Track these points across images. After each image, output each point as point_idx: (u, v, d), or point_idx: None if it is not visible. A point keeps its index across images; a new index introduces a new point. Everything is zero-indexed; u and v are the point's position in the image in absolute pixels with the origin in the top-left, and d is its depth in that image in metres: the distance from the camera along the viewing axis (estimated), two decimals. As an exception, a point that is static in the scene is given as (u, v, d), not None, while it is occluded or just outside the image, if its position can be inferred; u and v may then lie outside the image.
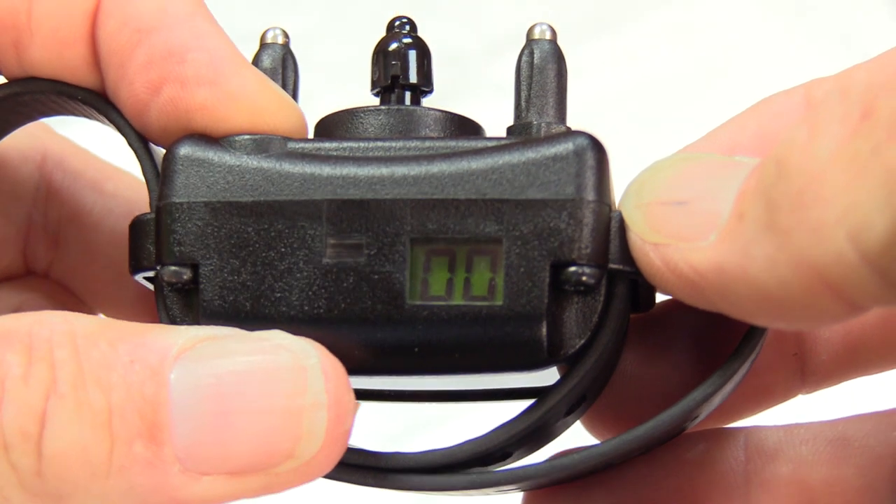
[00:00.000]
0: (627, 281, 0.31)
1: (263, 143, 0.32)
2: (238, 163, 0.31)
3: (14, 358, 0.29)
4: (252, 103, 0.32)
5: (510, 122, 0.33)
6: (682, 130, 0.34)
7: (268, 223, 0.31)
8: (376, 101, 0.35)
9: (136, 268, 0.33)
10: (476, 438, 0.32)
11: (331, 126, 0.34)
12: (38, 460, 0.29)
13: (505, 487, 0.33)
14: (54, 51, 0.33)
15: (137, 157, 0.33)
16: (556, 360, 0.31)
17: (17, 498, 0.29)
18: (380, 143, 0.32)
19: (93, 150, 0.42)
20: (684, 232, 0.29)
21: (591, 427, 0.36)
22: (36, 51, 0.33)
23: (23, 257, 0.41)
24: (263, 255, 0.31)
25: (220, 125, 0.32)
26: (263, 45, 0.35)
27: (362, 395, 0.32)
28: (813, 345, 0.36)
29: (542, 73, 0.33)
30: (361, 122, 0.33)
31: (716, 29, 0.84)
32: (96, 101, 0.34)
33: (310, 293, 0.31)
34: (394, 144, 0.32)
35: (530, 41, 0.33)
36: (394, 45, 0.34)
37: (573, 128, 0.32)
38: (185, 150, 0.32)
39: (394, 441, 0.62)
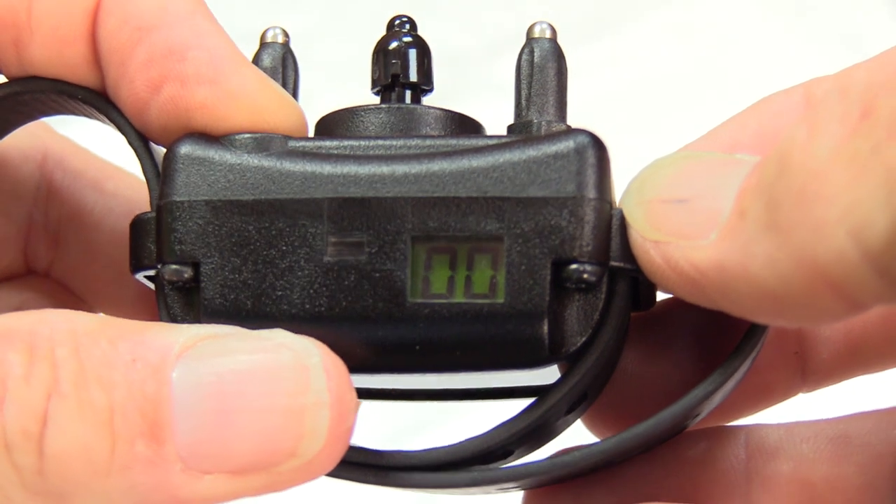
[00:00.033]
0: (628, 279, 0.31)
1: (264, 142, 0.32)
2: (239, 161, 0.31)
3: (15, 357, 0.29)
4: (252, 102, 0.32)
5: (510, 121, 0.33)
6: (683, 131, 0.34)
7: (269, 221, 0.31)
8: (376, 99, 0.35)
9: (136, 266, 0.33)
10: (477, 437, 0.32)
11: (331, 125, 0.34)
12: (39, 459, 0.28)
13: (506, 485, 0.33)
14: (54, 49, 0.33)
15: (137, 155, 0.33)
16: (557, 357, 0.31)
17: (19, 497, 0.29)
18: (380, 142, 0.32)
19: (93, 149, 0.42)
20: (685, 230, 0.29)
21: (592, 426, 0.36)
22: (36, 49, 0.33)
23: (23, 257, 0.41)
24: (264, 253, 0.31)
25: (221, 124, 0.32)
26: (263, 44, 0.35)
27: (363, 393, 0.32)
28: (813, 343, 0.36)
29: (543, 71, 0.33)
30: (362, 121, 0.33)
31: (716, 29, 0.84)
32: (96, 99, 0.34)
33: (311, 291, 0.31)
34: (394, 143, 0.32)
35: (530, 40, 0.33)
36: (394, 44, 0.34)
37: (573, 126, 0.32)
38: (185, 149, 0.32)
39: (395, 441, 0.63)
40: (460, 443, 0.32)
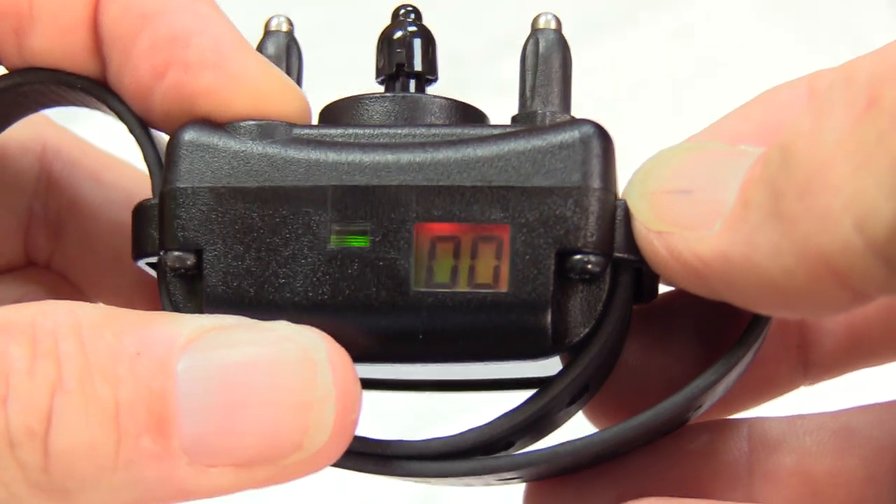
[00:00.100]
0: (632, 270, 0.31)
1: (268, 129, 0.32)
2: (243, 148, 0.31)
3: (18, 351, 0.29)
4: (256, 88, 0.32)
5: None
6: (683, 132, 0.34)
7: (272, 209, 0.31)
8: (380, 89, 0.35)
9: (139, 253, 0.32)
10: (479, 427, 0.32)
11: (335, 113, 0.34)
12: (44, 457, 0.28)
13: (506, 475, 0.32)
14: (56, 37, 0.33)
15: (139, 143, 0.33)
16: (560, 348, 0.31)
17: (24, 493, 0.29)
18: (385, 130, 0.32)
19: (94, 143, 0.42)
20: (689, 220, 0.29)
21: (594, 417, 0.36)
22: (37, 38, 0.33)
23: (23, 248, 0.41)
24: (268, 241, 0.31)
25: (225, 110, 0.32)
26: (268, 32, 0.35)
27: (365, 384, 0.31)
28: (816, 336, 0.36)
29: (547, 62, 0.33)
30: (366, 109, 0.33)
31: (716, 30, 0.84)
32: (96, 88, 0.33)
33: (314, 279, 0.31)
34: (399, 131, 0.32)
35: (535, 30, 0.33)
36: (399, 33, 0.34)
37: (577, 117, 0.32)
38: (189, 136, 0.31)
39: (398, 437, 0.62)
40: (462, 433, 0.32)
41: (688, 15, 0.84)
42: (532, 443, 0.34)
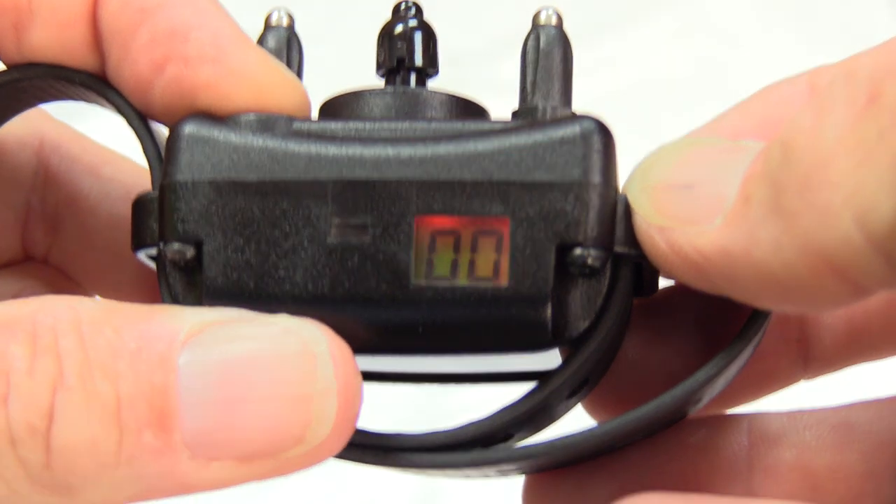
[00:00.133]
0: (632, 264, 0.31)
1: (269, 123, 0.32)
2: (243, 141, 0.31)
3: (18, 349, 0.29)
4: (256, 81, 0.32)
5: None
6: (683, 131, 0.34)
7: (272, 202, 0.31)
8: (381, 83, 0.35)
9: (138, 244, 0.32)
10: (478, 420, 0.32)
11: (336, 107, 0.34)
12: (46, 454, 0.28)
13: (505, 467, 0.33)
14: (55, 32, 0.33)
15: (138, 136, 0.33)
16: (560, 342, 0.31)
17: (26, 490, 0.29)
18: (385, 124, 0.32)
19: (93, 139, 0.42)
20: (690, 215, 0.29)
21: (593, 411, 0.36)
22: (36, 32, 0.33)
23: (21, 243, 0.41)
24: (268, 234, 0.31)
25: (225, 103, 0.32)
26: (268, 27, 0.35)
27: (365, 376, 0.31)
28: (816, 330, 0.36)
29: (548, 57, 0.33)
30: (367, 104, 0.33)
31: (716, 30, 0.84)
32: (95, 83, 0.33)
33: (314, 273, 0.31)
34: (400, 125, 0.32)
35: (536, 26, 0.33)
36: (399, 28, 0.34)
37: (578, 112, 0.32)
38: (189, 129, 0.31)
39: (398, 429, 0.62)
40: (461, 426, 0.32)
41: (688, 15, 0.85)
42: (531, 435, 0.34)
